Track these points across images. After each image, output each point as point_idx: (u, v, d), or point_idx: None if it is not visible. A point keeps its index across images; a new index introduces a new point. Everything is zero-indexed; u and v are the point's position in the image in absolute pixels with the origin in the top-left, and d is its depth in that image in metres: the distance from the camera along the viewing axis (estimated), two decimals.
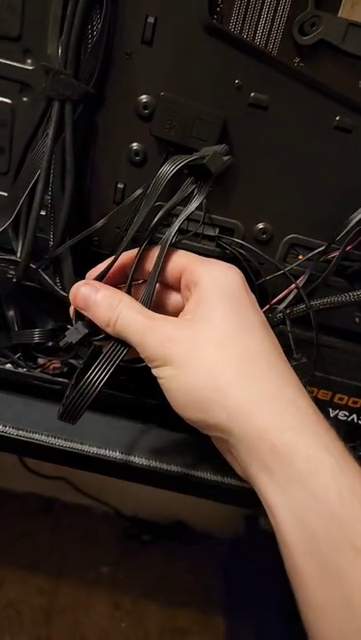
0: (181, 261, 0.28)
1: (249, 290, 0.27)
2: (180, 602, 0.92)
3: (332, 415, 0.36)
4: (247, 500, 0.35)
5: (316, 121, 0.29)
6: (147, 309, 0.27)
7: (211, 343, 0.24)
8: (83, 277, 0.34)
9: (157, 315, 0.26)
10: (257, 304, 0.27)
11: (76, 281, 0.32)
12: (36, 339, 0.35)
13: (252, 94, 0.29)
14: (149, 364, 0.26)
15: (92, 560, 0.94)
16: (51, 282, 0.32)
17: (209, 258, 0.28)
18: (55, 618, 0.87)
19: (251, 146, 0.30)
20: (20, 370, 0.36)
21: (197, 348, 0.24)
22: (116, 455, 0.35)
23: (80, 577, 0.92)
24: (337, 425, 0.37)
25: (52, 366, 0.37)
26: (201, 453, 0.36)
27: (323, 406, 0.36)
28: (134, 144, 0.31)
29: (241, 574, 0.88)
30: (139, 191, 0.31)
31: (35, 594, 0.89)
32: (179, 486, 0.35)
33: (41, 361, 0.37)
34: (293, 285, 0.31)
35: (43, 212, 0.31)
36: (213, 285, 0.26)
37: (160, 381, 0.25)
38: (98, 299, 0.27)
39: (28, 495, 1.01)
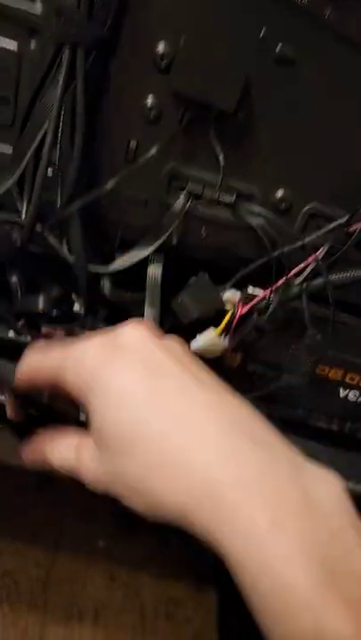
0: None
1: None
2: (174, 575, 0.93)
3: (342, 395, 0.35)
4: None
5: (346, 79, 0.27)
6: None
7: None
8: (90, 243, 0.33)
9: None
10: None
11: (84, 246, 0.31)
12: (41, 306, 0.33)
13: (279, 47, 0.27)
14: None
15: (89, 534, 0.96)
16: (57, 245, 0.30)
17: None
18: (52, 588, 0.88)
19: (274, 104, 0.28)
20: (22, 339, 0.35)
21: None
22: None
23: (77, 550, 0.93)
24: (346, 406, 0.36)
25: (55, 336, 0.36)
26: None
27: (333, 386, 0.35)
28: (149, 98, 0.28)
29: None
30: (153, 150, 0.29)
31: (32, 565, 0.90)
32: None
33: (45, 330, 0.36)
34: (312, 258, 0.30)
35: (50, 171, 0.30)
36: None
37: None
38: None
39: (25, 470, 1.01)
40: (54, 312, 0.35)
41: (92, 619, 0.86)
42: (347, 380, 0.35)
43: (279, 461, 0.18)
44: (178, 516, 0.18)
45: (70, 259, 0.30)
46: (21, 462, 0.26)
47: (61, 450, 0.22)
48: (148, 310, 0.32)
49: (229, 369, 0.35)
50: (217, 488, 0.17)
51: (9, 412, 0.25)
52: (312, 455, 0.36)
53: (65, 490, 1.00)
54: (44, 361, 0.22)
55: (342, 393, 0.35)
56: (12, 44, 0.28)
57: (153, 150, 0.29)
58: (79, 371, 0.20)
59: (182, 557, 0.97)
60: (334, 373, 0.34)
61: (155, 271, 0.32)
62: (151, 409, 0.19)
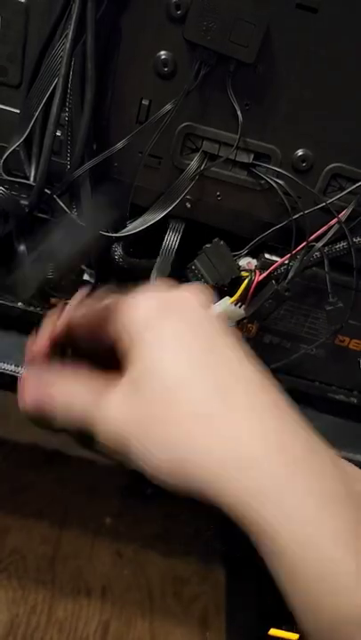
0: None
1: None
2: (180, 552, 0.94)
3: None
4: None
5: None
6: None
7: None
8: (101, 207, 0.32)
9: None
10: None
11: (97, 209, 0.29)
12: (49, 275, 0.32)
13: None
14: None
15: (95, 511, 0.96)
16: (67, 209, 0.29)
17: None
18: (59, 565, 0.89)
19: (296, 56, 0.26)
20: (31, 308, 0.34)
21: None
22: None
23: (83, 527, 0.94)
24: None
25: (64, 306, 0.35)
26: None
27: (354, 356, 0.34)
28: (163, 52, 0.27)
29: (240, 529, 0.89)
30: (167, 108, 0.28)
31: (39, 542, 0.91)
32: None
33: (54, 300, 0.35)
34: (335, 220, 0.29)
35: (59, 133, 0.28)
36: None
37: None
38: None
39: (31, 447, 1.02)
40: (63, 281, 0.34)
41: (100, 595, 0.87)
42: None
43: (321, 446, 0.18)
44: (204, 486, 0.18)
45: (79, 224, 0.29)
46: (24, 408, 0.24)
47: (75, 389, 0.20)
48: (155, 274, 0.30)
49: (245, 339, 0.34)
50: (258, 462, 0.17)
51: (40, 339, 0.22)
52: (330, 429, 0.36)
53: (71, 467, 1.01)
54: (102, 299, 0.21)
55: None
56: None
57: (167, 108, 0.27)
58: (134, 316, 0.19)
59: (189, 534, 0.97)
60: (355, 344, 0.33)
61: (172, 238, 0.31)
62: (197, 374, 0.18)
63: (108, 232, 0.30)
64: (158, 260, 0.31)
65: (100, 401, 0.19)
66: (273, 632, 0.72)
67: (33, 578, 0.86)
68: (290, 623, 0.71)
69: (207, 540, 0.96)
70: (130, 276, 0.33)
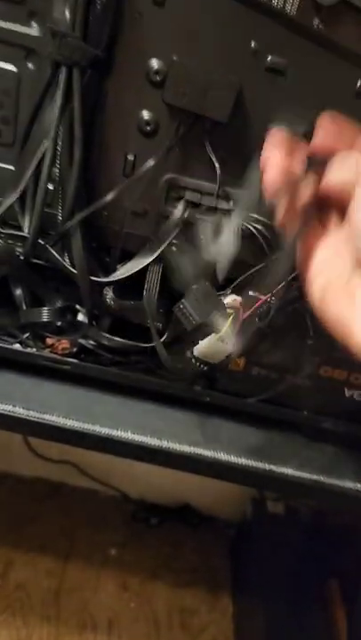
0: None
1: None
2: (187, 582, 0.93)
3: (347, 395, 0.36)
4: (256, 479, 0.35)
5: (337, 87, 0.28)
6: None
7: None
8: (92, 254, 0.33)
9: None
10: None
11: (86, 257, 0.31)
12: (45, 318, 0.34)
13: (269, 58, 0.27)
14: None
15: (100, 542, 0.95)
16: (60, 258, 0.31)
17: None
18: (64, 598, 0.88)
19: (268, 114, 0.29)
20: (28, 350, 0.36)
21: None
22: (128, 436, 0.34)
23: (88, 559, 0.93)
24: (352, 406, 0.36)
25: (60, 346, 0.37)
26: (212, 432, 0.36)
27: (339, 385, 0.35)
28: (145, 112, 0.29)
29: (248, 556, 0.88)
30: (150, 163, 0.30)
31: (44, 575, 0.90)
32: (190, 466, 0.35)
33: (49, 341, 0.36)
34: None
35: (50, 187, 0.30)
36: None
37: None
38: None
39: (35, 480, 1.01)
40: (59, 323, 0.36)
41: (106, 628, 0.85)
42: (351, 379, 0.35)
43: None
44: None
45: (72, 270, 0.31)
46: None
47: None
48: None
49: (233, 372, 0.35)
50: None
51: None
52: (317, 456, 0.36)
53: (75, 498, 1.01)
54: None
55: (348, 393, 0.35)
56: (10, 66, 0.29)
57: (150, 162, 0.29)
58: None
59: (195, 563, 0.96)
60: (339, 374, 0.35)
61: (152, 282, 0.33)
62: None
63: (98, 277, 0.32)
64: (145, 298, 0.33)
65: None
66: None
67: (38, 613, 0.85)
68: None
69: (214, 568, 0.95)
70: (122, 316, 0.35)
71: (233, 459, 0.34)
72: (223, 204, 0.31)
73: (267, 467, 0.34)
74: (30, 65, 0.29)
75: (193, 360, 0.35)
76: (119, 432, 0.34)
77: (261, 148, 0.26)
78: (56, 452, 0.94)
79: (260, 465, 0.34)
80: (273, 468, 0.34)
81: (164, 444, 0.34)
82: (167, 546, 0.98)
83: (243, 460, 0.34)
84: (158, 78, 0.28)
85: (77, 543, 0.95)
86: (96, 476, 0.98)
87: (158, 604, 0.90)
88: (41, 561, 0.91)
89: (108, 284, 0.32)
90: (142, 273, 0.33)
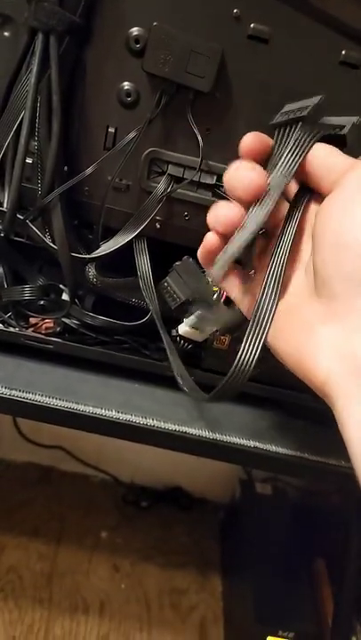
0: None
1: None
2: (177, 564, 0.94)
3: None
4: (242, 456, 0.35)
5: (321, 55, 0.27)
6: None
7: None
8: (74, 231, 0.33)
9: None
10: None
11: (67, 234, 0.31)
12: (27, 295, 0.34)
13: (252, 25, 0.27)
14: None
15: (92, 526, 0.96)
16: (40, 234, 0.30)
17: None
18: (56, 581, 0.89)
19: (251, 83, 0.28)
20: (11, 329, 0.35)
21: None
22: (112, 414, 0.34)
23: (80, 542, 0.94)
24: None
25: (44, 325, 0.36)
26: (197, 411, 0.36)
27: None
28: (125, 83, 0.28)
29: (237, 537, 0.90)
30: (131, 135, 0.29)
31: (35, 559, 0.90)
32: (175, 444, 0.34)
33: (33, 320, 0.36)
34: None
35: (29, 160, 0.30)
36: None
37: None
38: None
39: (26, 465, 1.01)
40: (41, 302, 0.35)
41: (98, 610, 0.86)
42: None
43: None
44: None
45: (53, 246, 0.30)
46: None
47: None
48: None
49: (218, 351, 0.35)
50: None
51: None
52: (303, 434, 0.37)
53: (66, 483, 1.01)
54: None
55: None
56: None
57: (131, 135, 0.29)
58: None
59: (185, 545, 0.97)
60: None
61: (143, 259, 0.32)
62: None
63: (80, 254, 0.32)
64: (140, 282, 0.32)
65: None
66: (270, 639, 0.72)
67: (30, 596, 0.85)
68: (285, 628, 0.72)
69: (204, 550, 0.96)
70: (105, 294, 0.34)
71: (218, 436, 0.34)
72: (207, 179, 0.30)
73: (252, 444, 0.34)
74: (6, 33, 0.28)
75: (177, 339, 0.35)
76: (104, 411, 0.34)
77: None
78: (46, 437, 0.94)
79: (245, 442, 0.34)
80: (258, 445, 0.35)
81: (150, 422, 0.34)
82: (158, 528, 0.99)
83: (228, 438, 0.34)
84: (138, 47, 0.27)
85: (69, 527, 0.95)
86: (86, 460, 0.99)
87: (149, 585, 0.91)
88: (32, 544, 0.92)
89: (91, 260, 0.32)
90: (125, 250, 0.32)
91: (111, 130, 0.30)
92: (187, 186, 0.31)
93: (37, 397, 0.34)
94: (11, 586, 0.86)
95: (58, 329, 0.36)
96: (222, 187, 0.31)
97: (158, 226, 0.32)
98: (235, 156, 0.30)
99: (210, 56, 0.26)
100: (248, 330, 0.24)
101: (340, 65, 0.27)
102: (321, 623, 0.78)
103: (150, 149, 0.30)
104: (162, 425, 0.34)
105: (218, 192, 0.31)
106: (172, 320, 0.34)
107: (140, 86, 0.28)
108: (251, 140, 0.24)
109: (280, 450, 0.35)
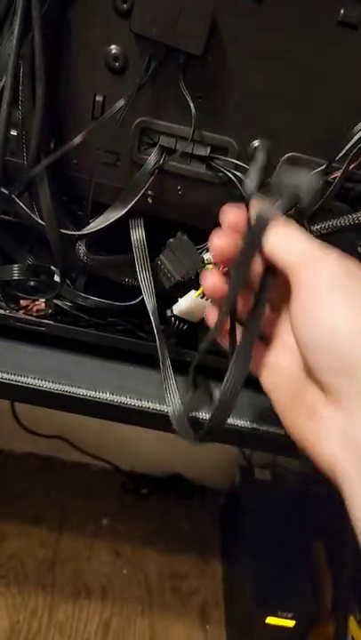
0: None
1: None
2: (178, 549, 0.95)
3: None
4: (241, 438, 0.34)
5: (318, 15, 0.26)
6: None
7: None
8: (63, 207, 0.32)
9: None
10: None
11: (56, 209, 0.29)
12: (16, 275, 0.32)
13: None
14: None
15: (93, 513, 0.97)
16: (26, 209, 0.29)
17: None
18: (58, 567, 0.89)
19: (244, 46, 0.26)
20: (1, 311, 0.34)
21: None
22: (107, 397, 0.33)
23: (81, 529, 0.94)
24: None
25: (35, 307, 0.35)
26: (192, 393, 0.35)
27: None
28: (113, 46, 0.27)
29: (236, 522, 0.90)
30: (120, 103, 0.28)
31: (37, 546, 0.91)
32: (172, 427, 0.34)
33: (23, 302, 0.35)
34: (292, 210, 0.29)
35: (14, 133, 0.28)
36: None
37: None
38: None
39: (26, 455, 1.01)
40: (32, 282, 0.34)
41: (100, 595, 0.87)
42: None
43: None
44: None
45: (41, 222, 0.29)
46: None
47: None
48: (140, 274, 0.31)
49: None
50: None
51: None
52: None
53: (67, 471, 1.01)
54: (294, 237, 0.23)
55: None
56: None
57: (120, 102, 0.27)
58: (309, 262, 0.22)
59: (186, 531, 0.98)
60: None
61: (139, 236, 0.31)
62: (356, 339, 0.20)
63: (70, 230, 0.30)
64: (136, 259, 0.31)
65: None
66: (270, 620, 0.73)
67: (32, 582, 0.86)
68: (285, 609, 0.72)
69: (204, 535, 0.97)
70: (97, 273, 0.33)
71: None
72: (200, 150, 0.29)
73: (249, 425, 0.34)
74: None
75: (173, 319, 0.34)
76: (98, 393, 0.33)
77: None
78: (46, 427, 0.94)
79: (244, 424, 0.34)
80: (256, 426, 0.34)
81: (145, 404, 0.33)
82: (158, 515, 0.99)
83: (232, 420, 0.33)
84: (125, 6, 0.26)
85: (70, 515, 0.96)
86: (86, 449, 0.98)
87: (150, 570, 0.92)
88: (34, 532, 0.92)
89: (81, 237, 0.31)
90: (116, 226, 0.31)
91: (99, 98, 0.28)
92: (179, 158, 0.29)
93: (29, 380, 0.33)
94: (13, 572, 0.86)
95: (50, 311, 0.35)
96: (217, 159, 0.30)
97: (150, 201, 0.31)
98: (228, 125, 0.29)
99: (200, 16, 0.25)
100: (230, 366, 0.25)
101: (339, 25, 0.26)
102: (320, 604, 0.79)
103: (140, 119, 0.29)
104: (157, 407, 0.33)
105: (212, 165, 0.30)
106: (167, 300, 0.33)
107: (129, 50, 0.27)
108: (229, 217, 0.25)
109: (279, 431, 0.34)
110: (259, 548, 0.79)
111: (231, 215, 0.25)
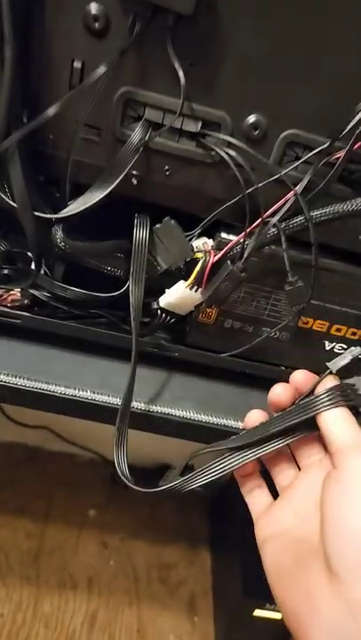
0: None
1: None
2: (166, 540, 0.94)
3: (328, 348, 0.33)
4: (211, 436, 0.32)
5: None
6: None
7: None
8: (38, 188, 0.29)
9: None
10: None
11: (30, 190, 0.26)
12: None
13: None
14: None
15: (80, 504, 0.95)
16: None
17: None
18: (44, 559, 0.88)
19: (242, 5, 0.23)
20: None
21: None
22: (87, 395, 0.31)
23: (67, 520, 0.93)
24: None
25: (9, 297, 0.32)
26: (181, 391, 0.33)
27: (318, 338, 0.32)
28: (92, 5, 0.24)
29: (226, 513, 0.89)
30: (100, 70, 0.25)
31: (23, 538, 0.89)
32: (159, 427, 0.32)
33: None
34: (291, 193, 0.26)
35: None
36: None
37: None
38: None
39: (11, 445, 0.99)
40: (6, 271, 0.31)
41: (86, 586, 0.86)
42: (332, 331, 0.32)
43: None
44: None
45: (12, 204, 0.26)
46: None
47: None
48: (133, 287, 0.28)
49: (203, 325, 0.32)
50: None
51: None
52: None
53: (53, 461, 0.99)
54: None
55: (328, 346, 0.32)
56: None
57: (101, 69, 0.24)
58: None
59: (175, 521, 0.97)
60: (319, 325, 0.31)
61: (142, 236, 0.28)
62: None
63: (46, 213, 0.28)
64: (132, 263, 0.28)
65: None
66: (258, 613, 0.72)
67: (17, 574, 0.84)
68: (273, 602, 0.72)
69: (193, 527, 0.96)
70: (75, 261, 0.30)
71: (204, 418, 0.31)
72: (190, 125, 0.26)
73: (241, 426, 0.32)
74: None
75: (158, 311, 0.31)
76: (78, 391, 0.31)
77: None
78: (32, 417, 0.92)
79: (233, 424, 0.31)
80: None
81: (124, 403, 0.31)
82: (147, 506, 0.98)
83: (215, 420, 0.31)
84: None
85: (56, 505, 0.94)
86: (73, 440, 0.96)
87: (138, 561, 0.91)
88: (20, 523, 0.91)
89: (57, 221, 0.28)
90: (97, 210, 0.28)
91: (77, 64, 0.25)
92: (167, 134, 0.26)
93: (2, 377, 0.30)
94: None
95: (26, 301, 0.32)
96: (208, 135, 0.27)
97: (135, 182, 0.28)
98: (222, 97, 0.26)
99: None
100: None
101: None
102: None
103: (124, 89, 0.26)
104: (142, 406, 0.31)
105: (203, 142, 0.27)
106: (151, 291, 0.31)
107: (110, 9, 0.24)
108: (298, 377, 0.26)
109: None
110: (248, 539, 0.79)
111: (301, 377, 0.26)
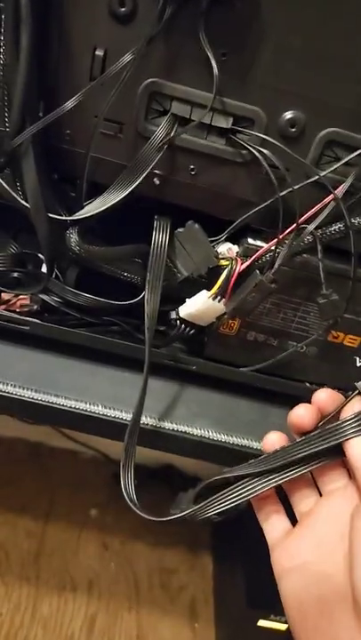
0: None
1: None
2: (168, 543, 0.93)
3: (359, 364, 0.30)
4: (230, 457, 0.30)
5: None
6: None
7: None
8: (53, 188, 0.26)
9: None
10: None
11: (44, 189, 0.24)
12: None
13: None
14: None
15: (81, 503, 0.94)
16: (7, 187, 0.24)
17: None
18: (44, 559, 0.87)
19: None
20: None
21: None
22: (98, 410, 0.29)
23: (69, 520, 0.92)
24: None
25: (19, 303, 0.30)
26: (197, 406, 0.31)
27: (349, 354, 0.30)
28: None
29: (229, 517, 0.88)
30: (125, 59, 0.22)
31: (23, 537, 0.89)
32: (174, 446, 0.30)
33: (5, 296, 0.30)
34: (330, 197, 0.24)
35: None
36: None
37: None
38: None
39: (14, 441, 0.98)
40: (15, 274, 0.29)
41: (86, 589, 0.85)
42: None
43: None
44: None
45: (25, 204, 0.24)
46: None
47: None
48: (148, 296, 0.26)
49: (224, 337, 0.30)
50: None
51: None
52: None
53: (55, 460, 0.98)
54: None
55: (359, 362, 0.30)
56: None
57: (125, 58, 0.22)
58: None
59: (176, 526, 0.96)
60: (350, 340, 0.29)
61: (161, 239, 0.26)
62: None
63: (60, 215, 0.25)
64: (149, 270, 0.26)
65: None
66: (262, 623, 0.71)
67: (17, 574, 0.83)
68: (278, 613, 0.70)
69: (195, 530, 0.95)
70: (89, 266, 0.28)
71: (223, 437, 0.29)
72: (220, 121, 0.24)
73: (259, 446, 0.30)
74: None
75: (178, 322, 0.29)
76: (88, 405, 0.29)
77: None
78: None
79: (254, 444, 0.29)
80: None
81: (142, 419, 0.29)
82: (149, 507, 0.97)
83: (234, 439, 0.29)
84: None
85: (57, 504, 0.93)
86: (76, 437, 0.95)
87: (139, 565, 0.90)
88: (20, 522, 0.90)
89: (73, 223, 0.26)
90: (116, 212, 0.26)
91: (99, 52, 0.23)
92: (195, 130, 0.24)
93: (9, 388, 0.28)
94: None
95: (35, 307, 0.30)
96: (240, 132, 0.24)
97: (157, 182, 0.26)
98: (257, 91, 0.24)
99: None
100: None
101: None
102: None
103: (150, 80, 0.23)
104: (157, 423, 0.29)
105: (233, 139, 0.24)
106: (170, 299, 0.29)
107: None
108: (322, 397, 0.24)
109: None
110: (252, 546, 0.77)
111: (325, 397, 0.24)
